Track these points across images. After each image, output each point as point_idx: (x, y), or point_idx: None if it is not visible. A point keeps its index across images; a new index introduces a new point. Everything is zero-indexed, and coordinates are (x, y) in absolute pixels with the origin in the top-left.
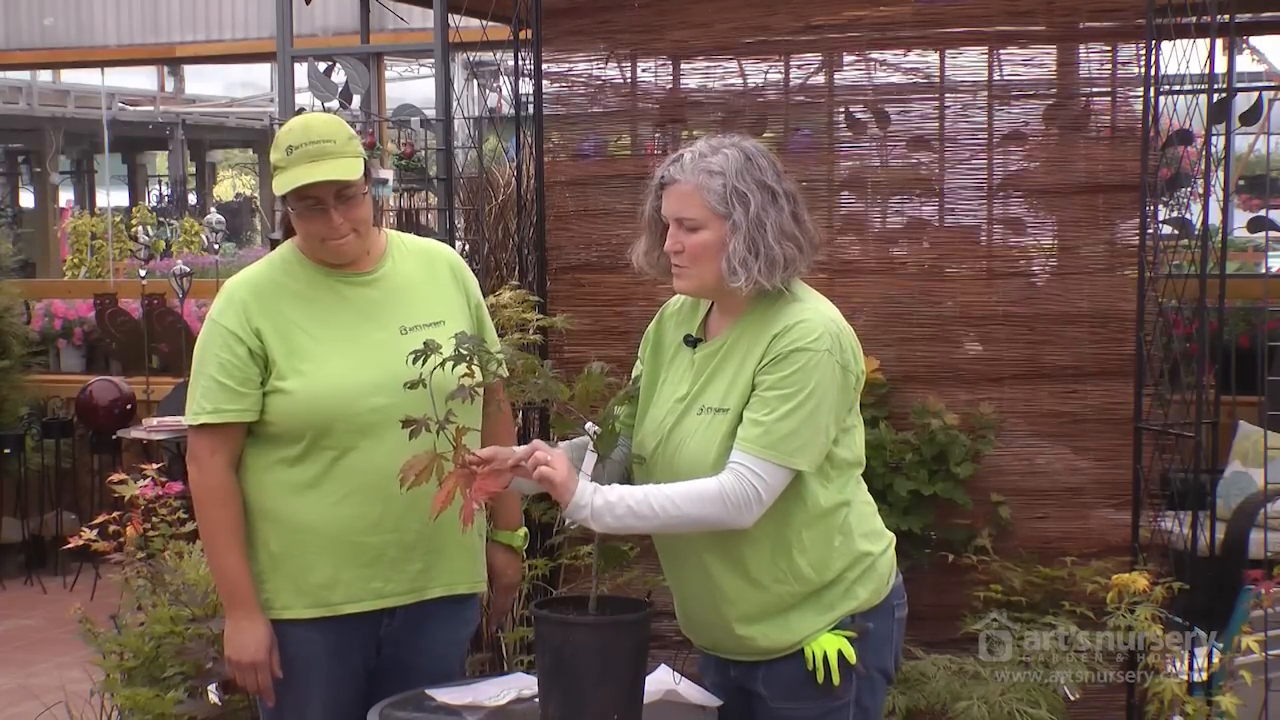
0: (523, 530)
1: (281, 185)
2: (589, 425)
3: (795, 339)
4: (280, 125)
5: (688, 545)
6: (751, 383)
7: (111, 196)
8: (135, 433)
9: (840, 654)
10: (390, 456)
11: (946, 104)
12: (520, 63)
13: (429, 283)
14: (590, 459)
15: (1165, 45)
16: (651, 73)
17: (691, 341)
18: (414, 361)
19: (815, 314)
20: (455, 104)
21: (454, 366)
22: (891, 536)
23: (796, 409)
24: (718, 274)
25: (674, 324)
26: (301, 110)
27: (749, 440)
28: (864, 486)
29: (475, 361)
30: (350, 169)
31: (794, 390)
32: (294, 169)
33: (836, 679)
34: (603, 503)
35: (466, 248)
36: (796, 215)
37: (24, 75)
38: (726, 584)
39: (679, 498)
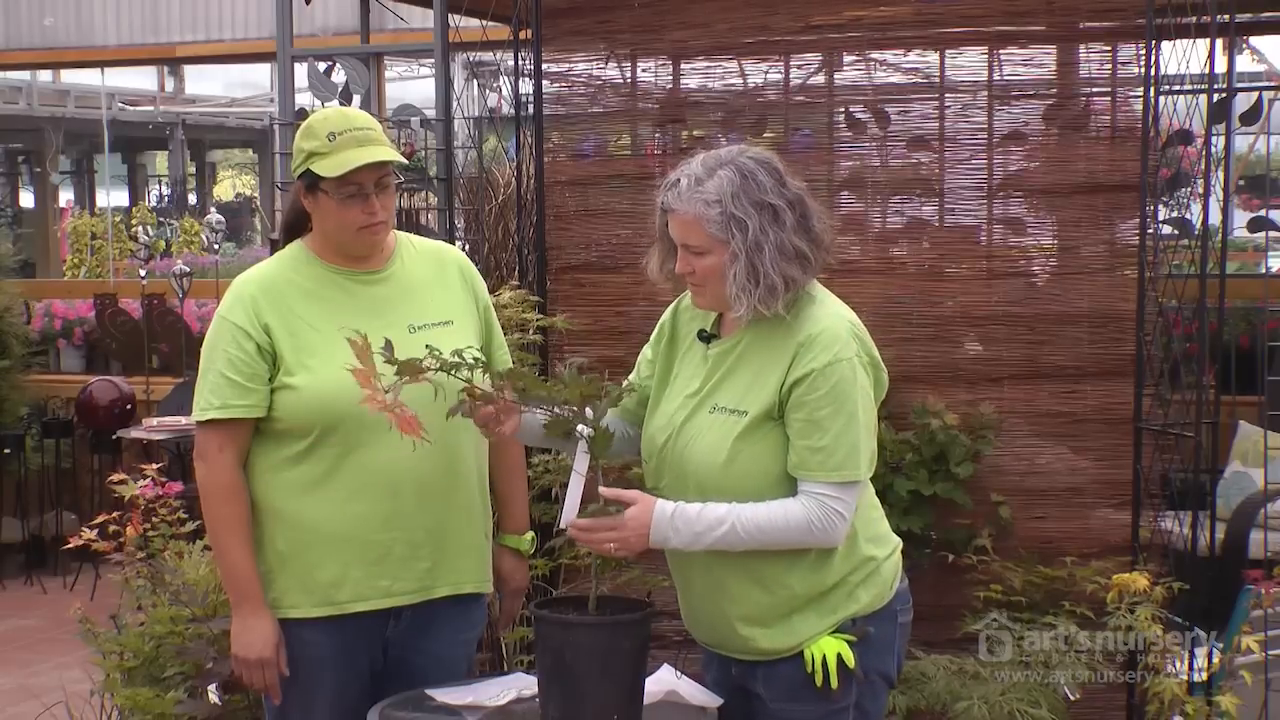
0: (530, 534)
1: (332, 168)
2: (581, 428)
3: (824, 351)
4: (280, 125)
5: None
6: (778, 394)
7: (111, 196)
8: (135, 433)
9: (840, 657)
10: (399, 454)
11: (946, 104)
12: (520, 63)
13: (438, 283)
14: (585, 460)
15: (1165, 45)
16: (651, 73)
17: (705, 337)
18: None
19: (834, 317)
20: (455, 104)
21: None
22: (898, 541)
23: (848, 423)
24: (726, 295)
25: (689, 316)
26: (302, 110)
27: (816, 468)
28: (871, 490)
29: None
30: (397, 155)
31: (838, 406)
32: (342, 153)
33: (835, 682)
34: (690, 535)
35: (466, 248)
36: (803, 223)
37: (24, 75)
38: (731, 583)
39: (769, 526)
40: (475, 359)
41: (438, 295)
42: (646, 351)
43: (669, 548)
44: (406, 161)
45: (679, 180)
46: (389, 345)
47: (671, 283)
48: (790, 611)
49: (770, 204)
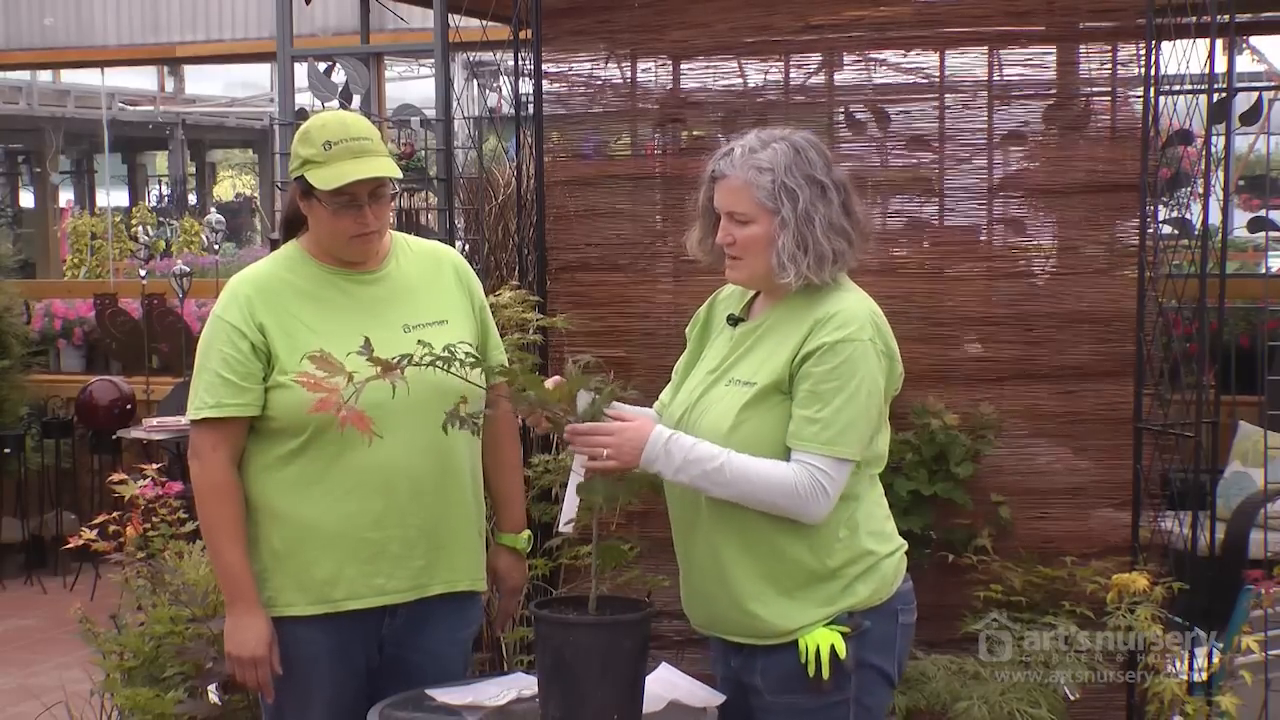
0: (526, 533)
1: (326, 180)
2: (582, 394)
3: (838, 328)
4: (280, 125)
5: (698, 519)
6: (789, 367)
7: (111, 196)
8: (135, 433)
9: (833, 649)
10: (392, 452)
11: (946, 104)
12: (520, 63)
13: (433, 284)
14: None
15: (1165, 45)
16: (651, 73)
17: (733, 320)
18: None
19: (856, 303)
20: (455, 104)
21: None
22: (902, 542)
23: (849, 400)
24: (768, 266)
25: (723, 308)
26: (302, 110)
27: (809, 439)
28: (879, 488)
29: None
30: (393, 168)
31: (843, 383)
32: (337, 164)
33: (826, 673)
34: (680, 461)
35: (466, 248)
36: (846, 206)
37: (24, 75)
38: (729, 556)
39: (755, 477)
40: (467, 354)
41: (433, 295)
42: (684, 355)
43: (654, 470)
44: (402, 176)
45: (733, 149)
46: (368, 343)
47: (710, 258)
48: (787, 592)
49: (820, 180)
